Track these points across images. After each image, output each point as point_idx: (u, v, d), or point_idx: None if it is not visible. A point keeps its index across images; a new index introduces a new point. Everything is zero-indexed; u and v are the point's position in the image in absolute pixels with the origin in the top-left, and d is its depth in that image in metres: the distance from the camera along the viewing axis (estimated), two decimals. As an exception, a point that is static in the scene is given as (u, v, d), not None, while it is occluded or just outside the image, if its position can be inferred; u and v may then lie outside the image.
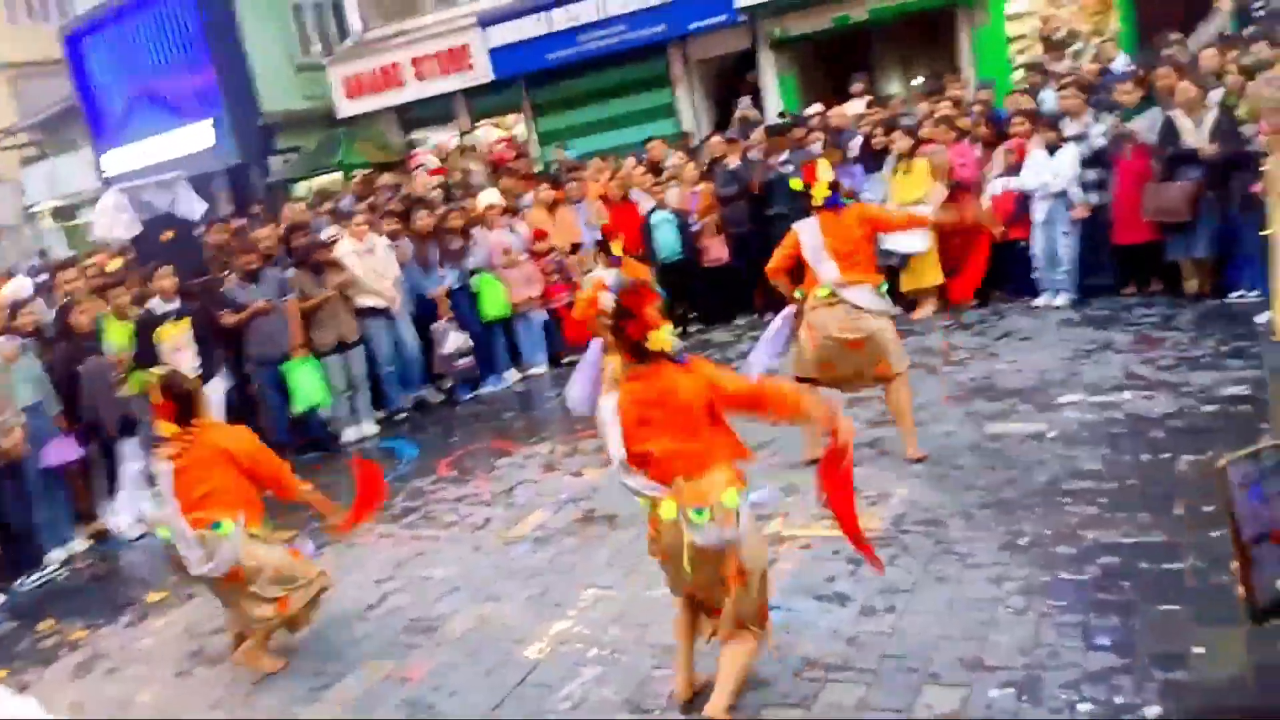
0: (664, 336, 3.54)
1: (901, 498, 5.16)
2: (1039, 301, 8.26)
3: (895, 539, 4.71)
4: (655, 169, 10.46)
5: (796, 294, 5.75)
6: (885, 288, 5.79)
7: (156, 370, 4.88)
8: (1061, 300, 8.13)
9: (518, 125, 16.21)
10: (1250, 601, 1.00)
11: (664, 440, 3.51)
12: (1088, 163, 7.90)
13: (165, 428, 4.53)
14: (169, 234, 8.61)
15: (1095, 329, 7.39)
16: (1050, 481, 5.01)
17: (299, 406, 7.86)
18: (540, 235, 9.51)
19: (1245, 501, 1.00)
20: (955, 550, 4.50)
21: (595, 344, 6.36)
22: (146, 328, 7.24)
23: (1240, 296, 7.28)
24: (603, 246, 6.71)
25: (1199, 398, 5.70)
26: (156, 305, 7.36)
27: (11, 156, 27.86)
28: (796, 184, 5.76)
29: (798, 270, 5.82)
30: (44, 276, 10.77)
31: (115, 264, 8.65)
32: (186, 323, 7.33)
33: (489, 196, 10.01)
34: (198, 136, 18.48)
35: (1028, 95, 9.03)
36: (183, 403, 4.54)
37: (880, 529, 4.82)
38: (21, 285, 8.64)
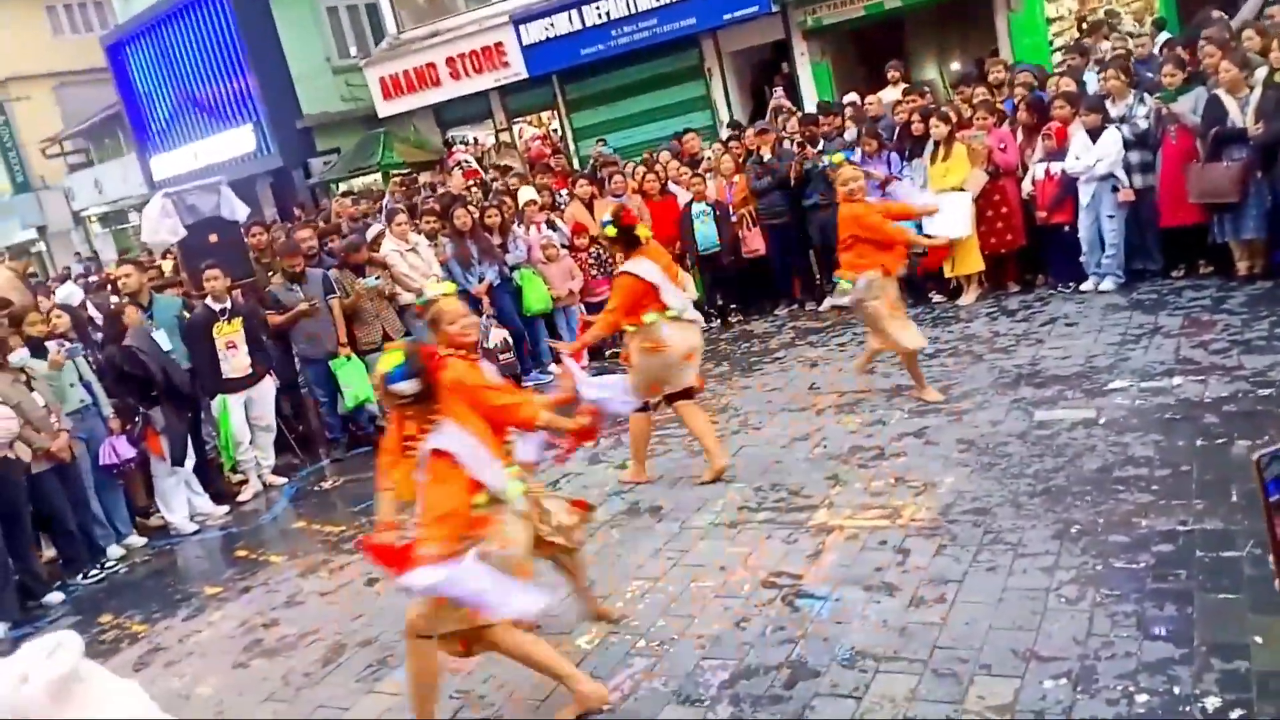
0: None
1: (949, 487, 5.12)
2: (1085, 286, 8.15)
3: (943, 529, 4.68)
4: (692, 161, 10.45)
5: (629, 326, 5.70)
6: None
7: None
8: (1108, 285, 8.01)
9: (553, 122, 16.26)
10: None
11: None
12: (1132, 145, 7.78)
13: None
14: (214, 236, 8.74)
15: (1143, 313, 7.28)
16: (1101, 469, 4.95)
17: (348, 403, 7.98)
18: (579, 230, 9.54)
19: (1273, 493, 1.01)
20: (1005, 539, 4.46)
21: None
22: (204, 324, 7.40)
23: (1294, 277, 7.15)
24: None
25: (1253, 381, 5.60)
26: (211, 304, 7.50)
27: (59, 164, 28.49)
28: (611, 230, 5.66)
29: None
30: (94, 278, 11.03)
31: (167, 264, 8.82)
32: (239, 322, 7.49)
33: (527, 193, 10.08)
34: (240, 140, 18.76)
35: (1069, 78, 8.90)
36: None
37: (928, 519, 4.80)
38: (71, 292, 8.84)
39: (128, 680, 2.23)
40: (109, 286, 9.42)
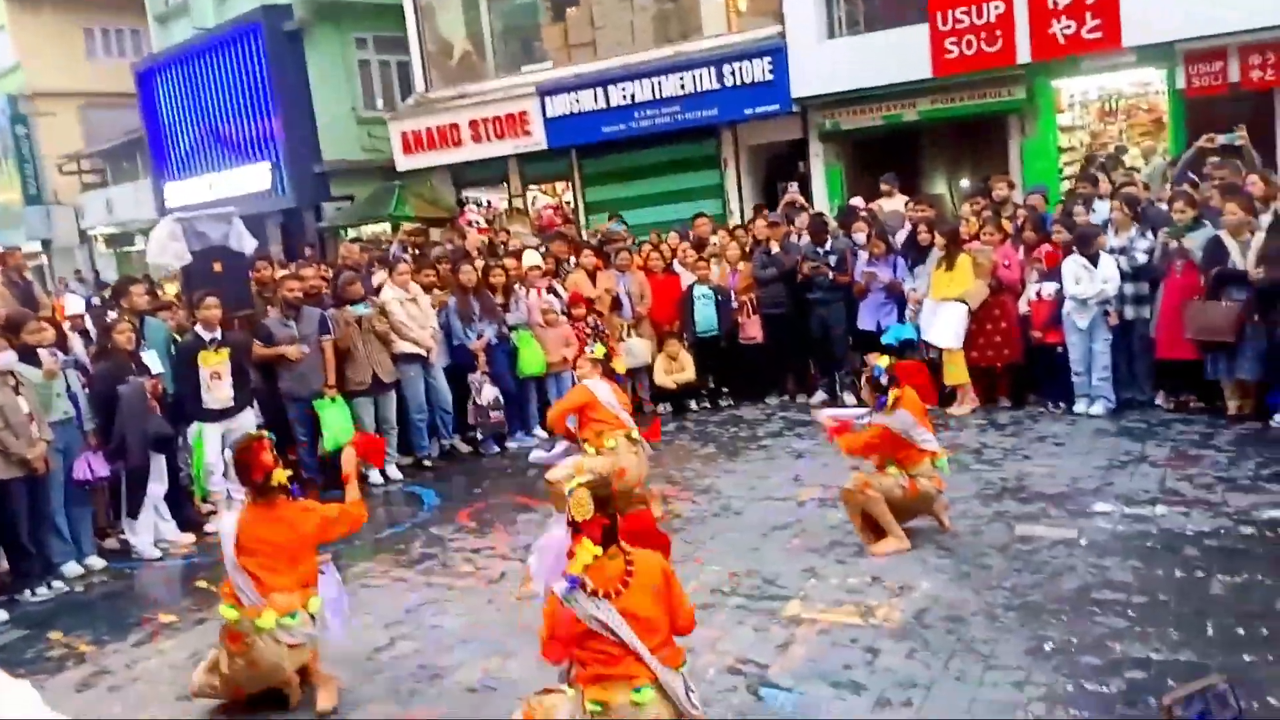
0: None
1: (924, 591, 5.06)
2: (1076, 408, 8.18)
3: (916, 632, 4.61)
4: (699, 245, 10.56)
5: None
6: None
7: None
8: (1098, 409, 8.05)
9: (567, 193, 16.48)
10: None
11: None
12: (1128, 277, 7.90)
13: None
14: (218, 265, 8.76)
15: (1131, 440, 7.30)
16: (1080, 589, 4.90)
17: (328, 445, 7.91)
18: (577, 300, 9.60)
19: None
20: (977, 649, 4.40)
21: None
22: (191, 351, 7.36)
23: (1283, 421, 7.19)
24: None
25: (1236, 518, 5.59)
26: (202, 331, 7.47)
27: (73, 181, 28.71)
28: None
29: None
30: (97, 301, 11.03)
31: (173, 289, 8.81)
32: (227, 352, 7.45)
33: (532, 257, 10.17)
34: (256, 177, 18.94)
35: (1080, 205, 9.04)
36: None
37: (901, 621, 4.74)
38: (74, 303, 8.81)
39: (18, 680, 2.16)
40: (109, 298, 9.40)
